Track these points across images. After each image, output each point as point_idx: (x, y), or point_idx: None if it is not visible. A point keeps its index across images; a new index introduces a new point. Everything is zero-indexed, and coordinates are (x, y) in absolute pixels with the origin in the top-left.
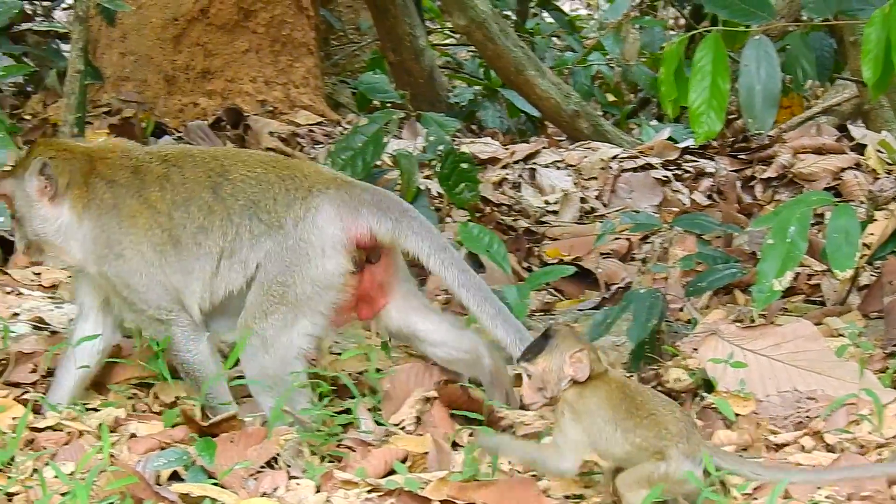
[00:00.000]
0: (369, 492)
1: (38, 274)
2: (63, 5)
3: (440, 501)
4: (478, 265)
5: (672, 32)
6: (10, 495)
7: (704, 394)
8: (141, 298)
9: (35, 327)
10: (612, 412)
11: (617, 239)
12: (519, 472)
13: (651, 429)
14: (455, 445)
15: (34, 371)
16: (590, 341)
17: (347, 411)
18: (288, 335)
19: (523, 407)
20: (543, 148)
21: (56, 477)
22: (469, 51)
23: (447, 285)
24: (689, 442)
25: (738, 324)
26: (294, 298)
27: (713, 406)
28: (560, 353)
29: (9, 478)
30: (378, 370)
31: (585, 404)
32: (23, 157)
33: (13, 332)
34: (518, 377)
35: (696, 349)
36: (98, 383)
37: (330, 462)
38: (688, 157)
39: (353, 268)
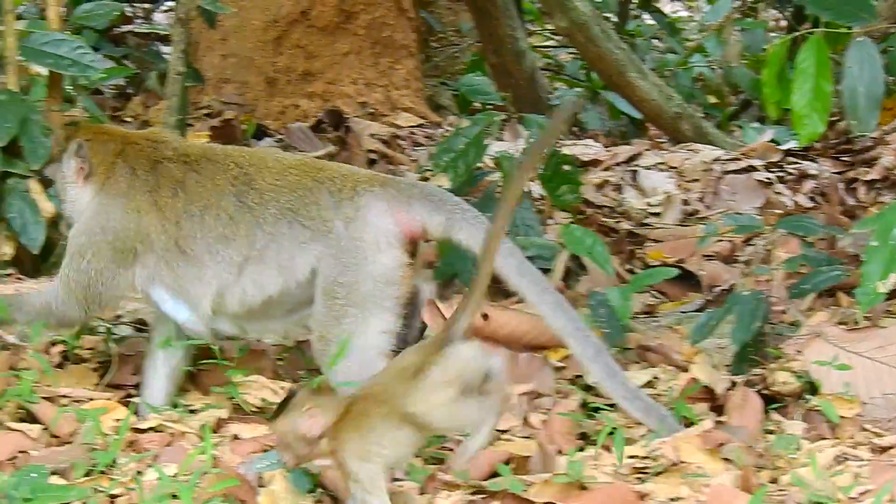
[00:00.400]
0: (472, 494)
1: None
2: (163, 7)
3: None
4: (580, 267)
5: (773, 34)
6: (112, 497)
7: (809, 396)
8: (80, 279)
9: (137, 329)
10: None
11: (720, 241)
12: (623, 474)
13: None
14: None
15: (136, 373)
16: (692, 343)
17: None
18: (363, 337)
19: None
20: (645, 150)
21: (159, 479)
22: (570, 53)
23: (504, 276)
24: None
25: (843, 326)
26: (359, 298)
27: (818, 408)
28: (296, 411)
29: (111, 480)
30: None
31: (351, 437)
32: (63, 140)
33: (115, 334)
34: None
35: (799, 351)
36: (199, 384)
37: (433, 464)
38: (790, 159)
39: (410, 260)
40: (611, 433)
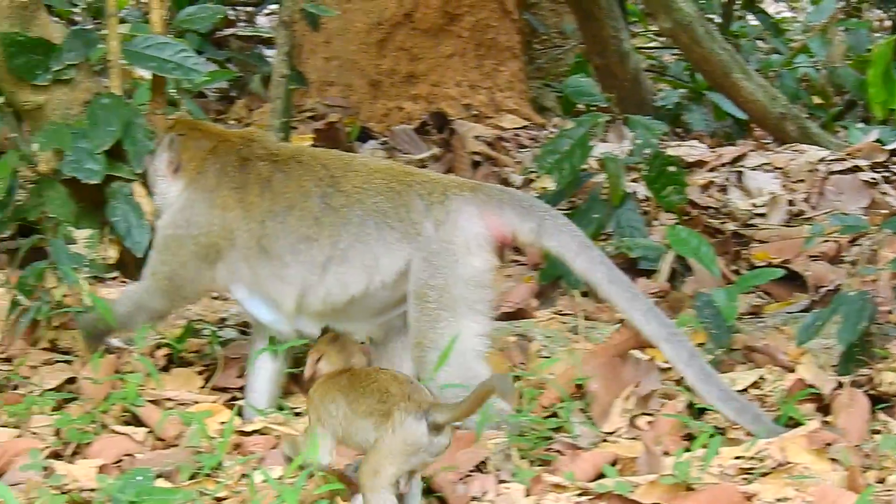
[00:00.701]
0: (579, 495)
1: None
2: (266, 11)
3: None
4: (685, 268)
5: (877, 34)
6: (218, 500)
7: None
8: (164, 270)
9: (242, 332)
10: (340, 394)
11: (825, 241)
12: (729, 475)
13: (374, 395)
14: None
15: (241, 376)
16: (798, 344)
17: (555, 415)
18: (459, 341)
19: None
20: (750, 151)
21: (265, 481)
22: (674, 54)
23: (594, 284)
24: (410, 400)
25: None
26: (451, 302)
27: None
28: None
29: (217, 483)
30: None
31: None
32: (161, 135)
33: (220, 336)
34: None
35: None
36: (303, 386)
37: (539, 466)
38: None
39: (499, 262)
40: (712, 435)
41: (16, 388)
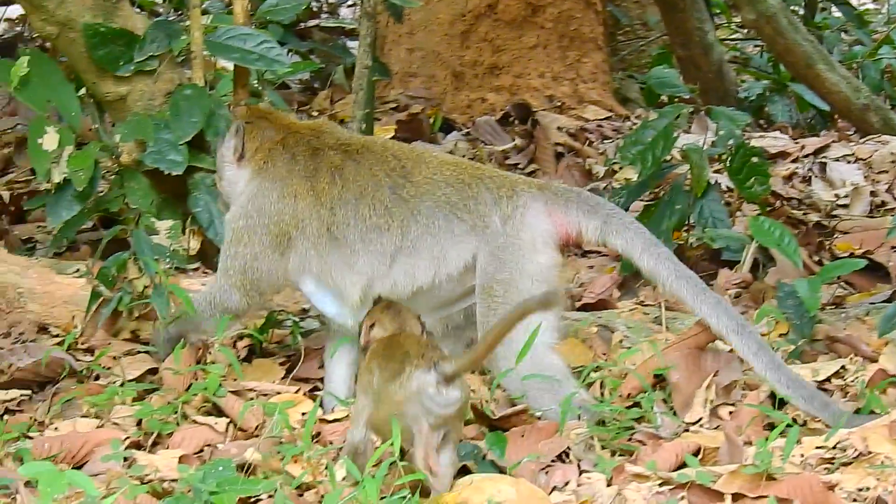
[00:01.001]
0: (660, 485)
1: None
2: (349, 2)
3: (731, 495)
4: (768, 259)
5: None
6: (299, 490)
7: None
8: (239, 264)
9: (323, 322)
10: (375, 362)
11: None
12: (811, 465)
13: (397, 360)
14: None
15: (322, 366)
16: (881, 334)
17: (637, 405)
18: (526, 334)
19: None
20: (833, 142)
21: (346, 471)
22: (757, 45)
23: (661, 280)
24: (422, 358)
25: None
26: (517, 296)
27: None
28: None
29: (302, 471)
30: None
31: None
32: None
33: (302, 327)
34: None
35: None
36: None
37: (620, 456)
38: None
39: (564, 260)
40: (790, 425)
41: (97, 378)
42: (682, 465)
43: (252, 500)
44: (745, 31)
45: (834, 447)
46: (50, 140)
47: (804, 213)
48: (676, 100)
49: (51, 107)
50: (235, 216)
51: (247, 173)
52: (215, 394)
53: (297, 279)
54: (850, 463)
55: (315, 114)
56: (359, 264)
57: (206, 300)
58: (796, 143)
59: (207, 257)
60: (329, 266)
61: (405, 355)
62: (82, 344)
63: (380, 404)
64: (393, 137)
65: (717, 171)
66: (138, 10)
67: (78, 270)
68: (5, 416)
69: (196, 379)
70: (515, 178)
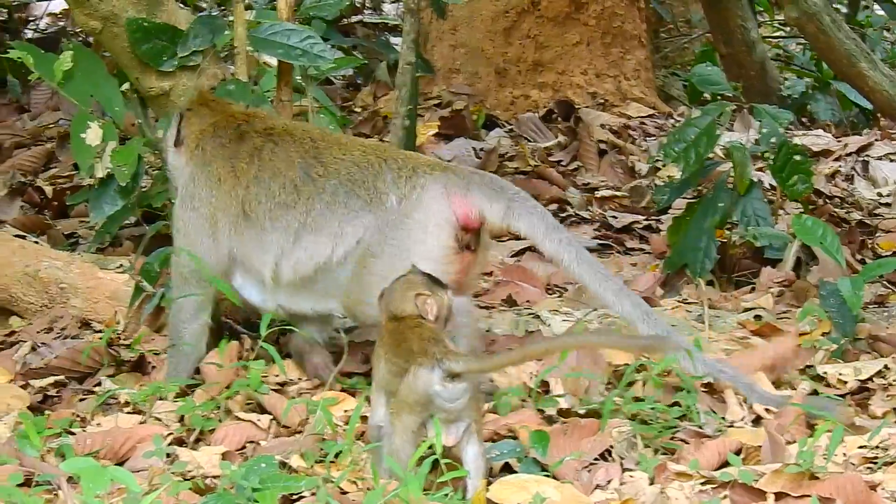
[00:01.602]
0: (703, 484)
1: None
2: None
3: (774, 494)
4: (811, 257)
5: None
6: (342, 487)
7: None
8: (183, 247)
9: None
10: (383, 350)
11: None
12: (853, 464)
13: (402, 356)
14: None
15: (366, 362)
16: None
17: (679, 403)
18: None
19: None
20: (876, 140)
21: (389, 468)
22: (799, 43)
23: (565, 265)
24: (426, 355)
25: None
26: (390, 273)
27: None
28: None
29: (342, 470)
30: None
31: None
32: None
33: (345, 323)
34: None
35: None
36: None
37: (663, 454)
38: None
39: (457, 246)
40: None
41: (146, 372)
42: (725, 464)
43: (294, 497)
44: (788, 28)
45: (877, 447)
46: (93, 135)
47: (847, 212)
48: (719, 97)
49: (94, 102)
50: (176, 206)
51: (183, 159)
52: (258, 390)
53: (230, 273)
54: (893, 462)
55: (358, 110)
56: (267, 241)
57: (174, 309)
58: (839, 141)
59: None
60: (246, 248)
61: (409, 353)
62: (125, 339)
63: (392, 398)
64: (436, 134)
65: (759, 170)
66: (182, 5)
67: (121, 266)
68: (46, 412)
69: (239, 375)
70: (422, 159)
